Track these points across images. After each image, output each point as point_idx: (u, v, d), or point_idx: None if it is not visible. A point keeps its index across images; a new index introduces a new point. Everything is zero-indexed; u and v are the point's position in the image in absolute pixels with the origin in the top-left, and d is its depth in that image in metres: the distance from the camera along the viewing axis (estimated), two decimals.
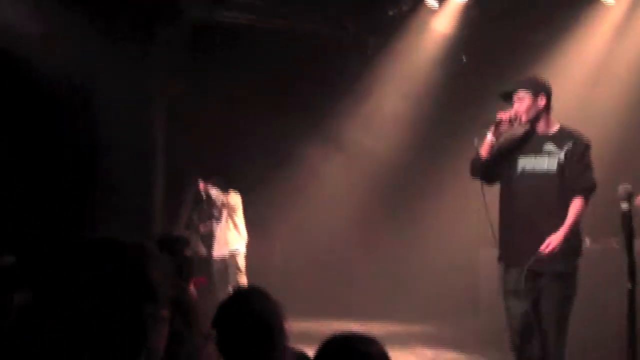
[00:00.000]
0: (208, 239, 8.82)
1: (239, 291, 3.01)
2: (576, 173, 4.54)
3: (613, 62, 8.45)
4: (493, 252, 7.69)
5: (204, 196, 8.58)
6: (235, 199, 8.58)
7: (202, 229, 8.84)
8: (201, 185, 8.53)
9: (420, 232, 9.80)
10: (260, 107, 9.69)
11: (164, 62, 8.89)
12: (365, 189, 10.24)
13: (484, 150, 4.75)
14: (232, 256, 8.54)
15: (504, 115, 4.69)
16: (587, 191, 4.54)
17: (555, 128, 4.71)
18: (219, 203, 8.51)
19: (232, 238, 8.59)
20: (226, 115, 9.59)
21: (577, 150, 4.62)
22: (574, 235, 4.46)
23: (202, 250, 8.97)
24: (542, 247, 4.35)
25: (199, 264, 7.09)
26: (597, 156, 6.26)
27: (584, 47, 8.64)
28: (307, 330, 6.58)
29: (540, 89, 4.72)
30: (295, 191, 9.90)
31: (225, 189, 8.55)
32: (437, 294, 9.14)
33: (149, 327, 1.52)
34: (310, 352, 2.59)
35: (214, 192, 8.43)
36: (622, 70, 8.32)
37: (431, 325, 8.86)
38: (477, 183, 4.90)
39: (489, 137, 4.72)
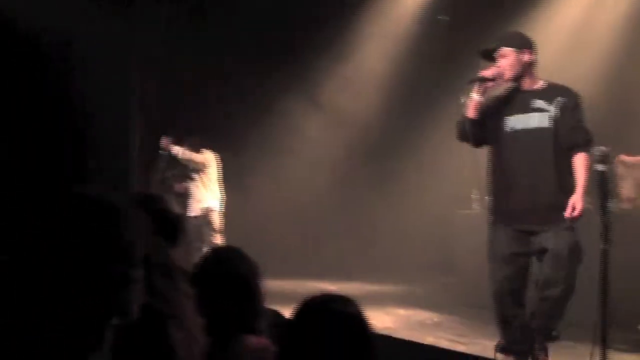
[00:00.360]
0: (185, 199, 8.79)
1: (217, 250, 3.01)
2: (573, 127, 4.43)
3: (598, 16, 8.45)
4: (469, 212, 7.83)
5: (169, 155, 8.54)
6: (205, 157, 8.54)
7: (176, 188, 8.79)
8: (164, 142, 8.49)
9: (399, 191, 9.85)
10: (240, 63, 9.59)
11: (142, 20, 8.78)
12: (344, 148, 10.24)
13: (470, 112, 4.62)
14: (205, 215, 8.52)
15: (487, 73, 4.59)
16: (589, 144, 4.33)
17: (541, 84, 4.62)
18: (184, 162, 8.49)
19: (204, 196, 8.57)
20: (204, 71, 9.50)
21: (570, 103, 4.51)
22: (569, 190, 4.30)
23: (176, 209, 8.91)
24: (568, 212, 4.18)
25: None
26: None
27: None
28: (282, 290, 6.63)
29: (524, 44, 4.64)
30: (273, 148, 9.87)
31: (197, 148, 8.51)
32: (412, 253, 9.21)
33: (119, 287, 1.50)
34: (286, 311, 2.60)
35: (177, 150, 8.39)
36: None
37: (406, 285, 8.93)
38: (456, 143, 4.87)
39: (475, 96, 4.60)
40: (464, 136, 4.73)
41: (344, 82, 9.94)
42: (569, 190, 4.27)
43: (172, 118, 9.21)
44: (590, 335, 3.54)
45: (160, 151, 8.48)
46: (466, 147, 4.92)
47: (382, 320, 6.65)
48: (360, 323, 1.95)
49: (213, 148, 8.63)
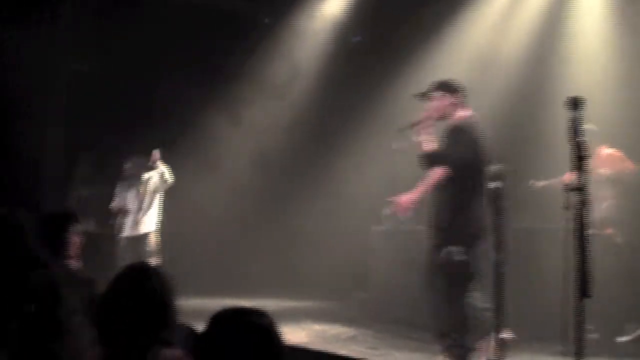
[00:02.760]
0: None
1: (130, 266, 3.04)
2: (441, 150, 5.09)
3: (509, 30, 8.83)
4: (383, 229, 8.05)
5: (138, 171, 8.50)
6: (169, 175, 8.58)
7: (115, 204, 8.68)
8: (154, 156, 8.46)
9: (315, 209, 9.97)
10: (162, 74, 9.56)
11: (67, 34, 8.71)
12: (261, 165, 10.33)
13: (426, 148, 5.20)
14: (145, 235, 8.51)
15: (417, 119, 5.27)
16: (443, 163, 4.96)
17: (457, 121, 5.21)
18: (154, 180, 8.50)
19: (150, 217, 8.56)
20: (127, 82, 9.42)
21: (446, 132, 5.17)
22: (463, 224, 4.86)
23: (91, 226, 8.82)
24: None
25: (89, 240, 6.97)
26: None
27: (477, 22, 9.01)
28: (196, 307, 6.64)
29: (444, 89, 5.29)
30: (191, 163, 9.83)
31: (143, 166, 8.57)
32: (327, 270, 9.34)
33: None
34: (200, 328, 2.67)
35: (162, 166, 8.46)
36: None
37: (321, 301, 9.07)
38: (369, 162, 5.22)
39: (420, 138, 5.21)
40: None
41: (260, 99, 10.04)
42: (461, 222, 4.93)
43: (92, 133, 9.09)
44: None
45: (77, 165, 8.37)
46: (379, 166, 5.26)
47: (297, 335, 6.76)
48: (271, 335, 1.99)
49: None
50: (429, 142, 5.17)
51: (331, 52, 9.89)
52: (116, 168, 8.69)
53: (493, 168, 3.45)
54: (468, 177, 4.82)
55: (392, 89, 8.87)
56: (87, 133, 9.13)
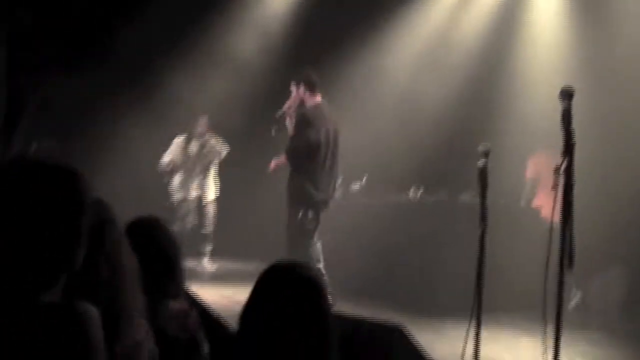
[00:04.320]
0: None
1: (137, 221, 3.12)
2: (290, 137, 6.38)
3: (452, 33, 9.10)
4: None
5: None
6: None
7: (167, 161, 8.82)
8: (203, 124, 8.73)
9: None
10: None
11: None
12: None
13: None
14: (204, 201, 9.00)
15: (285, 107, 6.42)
16: (288, 157, 6.35)
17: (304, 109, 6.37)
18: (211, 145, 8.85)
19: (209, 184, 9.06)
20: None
21: (295, 119, 6.37)
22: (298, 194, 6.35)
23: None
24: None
25: None
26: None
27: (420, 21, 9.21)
28: None
29: (298, 80, 6.35)
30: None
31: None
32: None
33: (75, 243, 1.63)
34: None
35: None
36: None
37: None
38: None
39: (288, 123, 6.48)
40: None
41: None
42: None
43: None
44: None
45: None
46: None
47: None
48: (320, 287, 2.10)
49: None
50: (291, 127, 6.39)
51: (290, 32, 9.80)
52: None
53: (482, 145, 3.69)
54: (301, 161, 6.22)
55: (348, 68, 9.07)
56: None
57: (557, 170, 3.20)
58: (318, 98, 6.33)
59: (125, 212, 1.86)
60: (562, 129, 3.21)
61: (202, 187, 8.79)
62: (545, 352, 3.42)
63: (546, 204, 6.66)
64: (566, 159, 3.18)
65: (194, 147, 8.77)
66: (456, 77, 8.66)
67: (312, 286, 2.08)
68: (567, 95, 3.25)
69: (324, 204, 6.46)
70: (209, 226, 8.78)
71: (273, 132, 6.47)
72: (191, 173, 8.71)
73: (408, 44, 9.15)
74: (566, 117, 3.22)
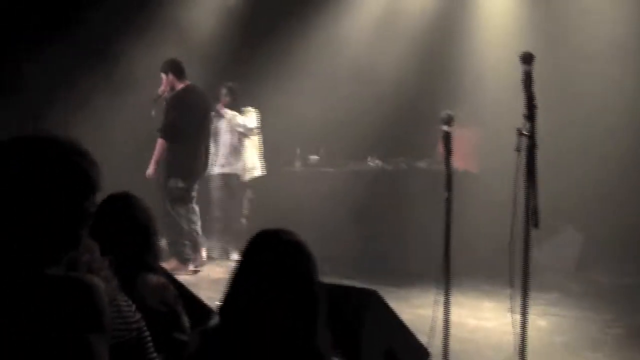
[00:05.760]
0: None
1: (114, 196, 3.14)
2: (163, 120, 7.08)
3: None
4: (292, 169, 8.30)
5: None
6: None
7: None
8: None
9: None
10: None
11: None
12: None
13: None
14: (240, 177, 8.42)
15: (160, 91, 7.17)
16: (163, 132, 7.05)
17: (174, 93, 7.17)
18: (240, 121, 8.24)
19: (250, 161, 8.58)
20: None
21: (167, 103, 7.12)
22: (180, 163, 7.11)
23: None
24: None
25: None
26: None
27: None
28: None
29: (165, 68, 7.14)
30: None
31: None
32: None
33: (83, 221, 1.67)
34: None
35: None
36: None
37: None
38: None
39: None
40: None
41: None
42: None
43: None
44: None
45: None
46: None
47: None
48: (304, 248, 2.17)
49: None
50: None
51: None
52: None
53: (444, 113, 3.77)
54: (180, 135, 6.94)
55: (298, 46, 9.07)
56: None
57: (520, 132, 3.30)
58: (186, 82, 7.19)
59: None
60: (524, 92, 3.30)
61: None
62: (511, 311, 3.53)
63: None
64: (529, 122, 3.28)
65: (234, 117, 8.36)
66: (411, 44, 8.72)
67: (298, 250, 2.14)
68: (527, 58, 3.34)
69: (201, 172, 7.38)
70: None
71: (153, 114, 7.26)
72: None
73: (363, 11, 9.17)
74: (527, 80, 3.31)
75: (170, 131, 6.99)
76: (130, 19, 8.79)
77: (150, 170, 7.11)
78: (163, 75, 7.18)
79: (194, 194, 7.32)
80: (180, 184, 7.07)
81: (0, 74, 8.40)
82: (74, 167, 1.61)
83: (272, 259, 2.11)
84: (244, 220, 8.19)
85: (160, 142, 7.08)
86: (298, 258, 2.13)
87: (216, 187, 8.10)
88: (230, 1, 9.55)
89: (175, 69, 7.14)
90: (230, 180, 8.13)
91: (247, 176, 8.21)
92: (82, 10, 8.79)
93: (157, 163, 7.12)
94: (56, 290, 1.47)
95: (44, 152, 1.60)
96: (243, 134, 8.12)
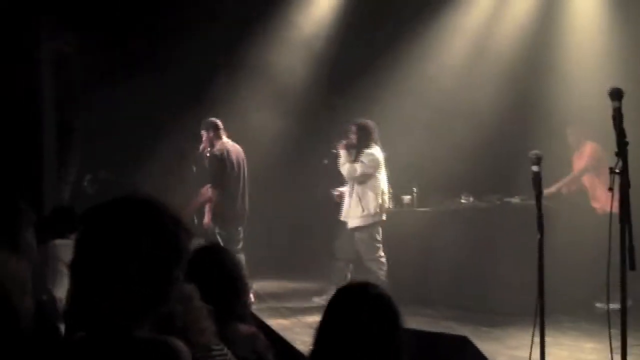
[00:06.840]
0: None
1: (206, 248, 3.24)
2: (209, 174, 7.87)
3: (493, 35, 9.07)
4: None
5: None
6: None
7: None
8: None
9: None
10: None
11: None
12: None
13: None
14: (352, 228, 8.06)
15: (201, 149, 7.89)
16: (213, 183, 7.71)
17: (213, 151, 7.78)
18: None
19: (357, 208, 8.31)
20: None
21: (208, 159, 7.85)
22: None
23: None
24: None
25: None
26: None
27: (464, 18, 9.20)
28: None
29: (205, 127, 7.77)
30: None
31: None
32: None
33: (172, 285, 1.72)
34: None
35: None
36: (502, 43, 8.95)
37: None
38: None
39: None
40: None
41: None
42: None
43: None
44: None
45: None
46: None
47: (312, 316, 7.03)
48: (391, 303, 2.23)
49: None
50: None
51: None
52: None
53: (534, 153, 3.74)
54: (225, 186, 7.61)
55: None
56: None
57: (612, 170, 3.22)
58: (224, 138, 7.83)
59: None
60: (614, 129, 3.24)
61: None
62: (611, 352, 3.43)
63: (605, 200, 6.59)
64: (620, 159, 3.20)
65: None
66: (499, 81, 8.63)
67: (385, 304, 2.18)
68: (617, 95, 3.28)
69: (243, 218, 7.95)
70: None
71: (194, 169, 8.44)
72: None
73: (453, 48, 9.15)
74: (617, 117, 3.24)
75: (218, 185, 7.68)
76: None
77: (207, 219, 7.69)
78: (204, 133, 7.80)
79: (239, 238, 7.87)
80: (218, 230, 7.70)
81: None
82: (169, 235, 1.68)
83: (361, 314, 2.15)
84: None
85: (211, 193, 7.71)
86: (385, 312, 2.17)
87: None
88: (317, 45, 9.72)
89: (215, 127, 7.80)
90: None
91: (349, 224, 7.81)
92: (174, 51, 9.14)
93: (212, 212, 7.69)
94: (142, 353, 1.52)
95: (143, 217, 1.67)
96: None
